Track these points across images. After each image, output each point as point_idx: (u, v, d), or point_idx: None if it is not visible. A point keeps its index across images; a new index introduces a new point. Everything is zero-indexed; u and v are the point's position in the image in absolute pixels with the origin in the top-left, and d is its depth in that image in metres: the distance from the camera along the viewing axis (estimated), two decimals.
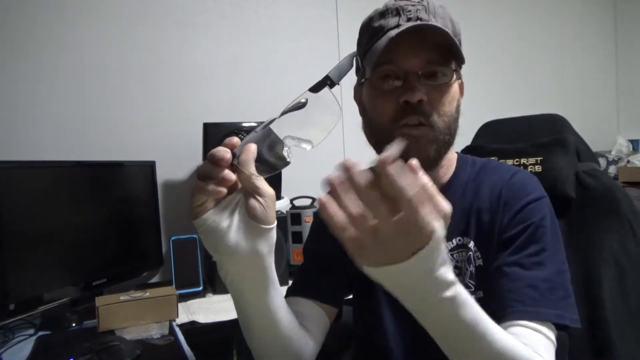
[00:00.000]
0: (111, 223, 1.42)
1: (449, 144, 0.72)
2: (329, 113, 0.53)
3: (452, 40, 0.67)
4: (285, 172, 1.62)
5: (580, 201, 0.91)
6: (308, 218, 1.65)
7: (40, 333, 1.20)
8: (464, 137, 1.09)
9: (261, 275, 0.61)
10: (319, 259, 0.83)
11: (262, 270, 0.61)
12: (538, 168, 0.94)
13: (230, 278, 0.61)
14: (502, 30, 2.48)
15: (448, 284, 0.49)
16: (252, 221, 0.57)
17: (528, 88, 2.54)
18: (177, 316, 1.23)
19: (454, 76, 0.71)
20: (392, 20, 0.70)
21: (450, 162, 0.79)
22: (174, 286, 1.39)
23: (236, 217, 0.57)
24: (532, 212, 0.70)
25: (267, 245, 0.59)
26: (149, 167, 1.59)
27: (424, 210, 0.43)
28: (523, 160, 0.97)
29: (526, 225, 0.69)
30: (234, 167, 0.54)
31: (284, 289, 0.92)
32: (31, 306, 1.15)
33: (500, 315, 0.63)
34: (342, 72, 0.59)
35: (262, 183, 0.56)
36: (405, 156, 0.69)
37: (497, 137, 1.06)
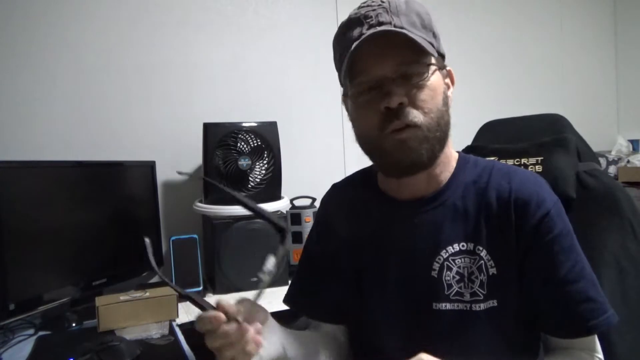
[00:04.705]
0: (111, 223, 1.42)
1: (441, 139, 0.71)
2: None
3: (412, 39, 0.65)
4: (285, 172, 1.62)
5: (581, 201, 0.91)
6: (308, 218, 1.65)
7: (40, 333, 1.20)
8: (464, 137, 1.10)
9: None
10: (323, 262, 0.84)
11: None
12: (539, 168, 0.94)
13: None
14: (502, 30, 2.47)
15: None
16: None
17: (528, 88, 2.53)
18: (177, 316, 1.23)
19: (431, 69, 0.69)
20: (356, 32, 0.69)
21: (448, 160, 0.76)
22: None
23: None
24: (554, 222, 0.70)
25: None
26: (149, 167, 1.59)
27: None
28: (524, 160, 0.96)
29: (553, 237, 0.69)
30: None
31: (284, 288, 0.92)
32: (31, 306, 1.15)
33: (559, 327, 0.70)
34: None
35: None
36: (397, 161, 0.69)
37: (498, 137, 1.06)
